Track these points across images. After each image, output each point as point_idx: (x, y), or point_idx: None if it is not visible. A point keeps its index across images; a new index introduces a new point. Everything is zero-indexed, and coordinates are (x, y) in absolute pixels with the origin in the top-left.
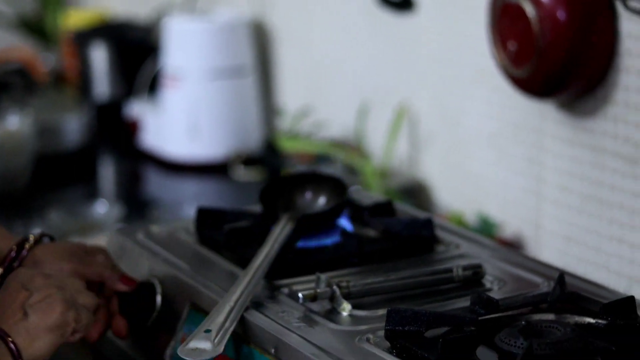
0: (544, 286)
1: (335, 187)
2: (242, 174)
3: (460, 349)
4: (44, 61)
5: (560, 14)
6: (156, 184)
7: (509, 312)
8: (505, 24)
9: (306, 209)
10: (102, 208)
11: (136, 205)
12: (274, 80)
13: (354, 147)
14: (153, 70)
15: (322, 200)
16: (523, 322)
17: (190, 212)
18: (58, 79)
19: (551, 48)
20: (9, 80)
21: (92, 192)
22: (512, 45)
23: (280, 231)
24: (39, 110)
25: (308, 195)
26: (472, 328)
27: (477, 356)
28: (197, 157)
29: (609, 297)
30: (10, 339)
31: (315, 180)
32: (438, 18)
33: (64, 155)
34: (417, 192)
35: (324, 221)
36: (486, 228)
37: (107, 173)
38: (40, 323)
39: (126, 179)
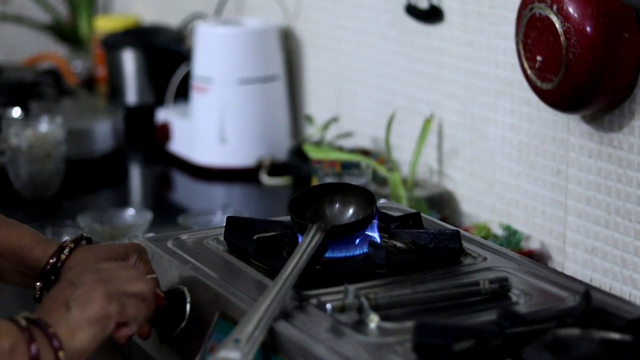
0: (570, 300)
1: (364, 198)
2: (270, 180)
3: None
4: (74, 66)
5: (589, 28)
6: (185, 190)
7: (535, 326)
8: (533, 36)
9: (335, 219)
10: (132, 214)
11: (165, 212)
12: (302, 88)
13: (381, 157)
14: (183, 76)
15: (351, 211)
16: (549, 337)
17: (219, 219)
18: (88, 83)
19: (579, 62)
20: (41, 81)
21: (121, 198)
22: (539, 58)
23: (309, 242)
24: (69, 115)
25: (337, 206)
26: (499, 341)
27: None
28: (226, 163)
29: (634, 312)
30: (51, 330)
31: (344, 191)
32: (466, 29)
33: (94, 160)
34: (444, 203)
35: (353, 232)
36: (512, 239)
37: (137, 179)
38: (81, 315)
39: (155, 185)
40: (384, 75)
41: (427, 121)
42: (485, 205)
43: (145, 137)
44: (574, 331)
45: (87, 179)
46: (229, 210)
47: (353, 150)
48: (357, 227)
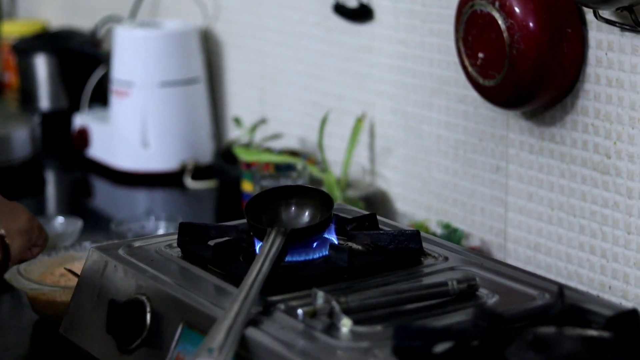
0: (540, 298)
1: (320, 200)
2: (194, 184)
3: None
4: None
5: (532, 24)
6: (107, 196)
7: (512, 325)
8: (474, 33)
9: (292, 223)
10: (61, 222)
11: (90, 219)
12: (225, 90)
13: (310, 157)
14: (99, 80)
15: (308, 214)
16: (531, 335)
17: (153, 225)
18: None
19: (522, 58)
20: None
21: (41, 206)
22: (481, 55)
23: (269, 246)
24: None
25: (293, 209)
26: (479, 342)
27: None
28: (148, 167)
29: (606, 309)
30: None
31: (300, 193)
32: (396, 27)
33: (12, 168)
34: (378, 203)
35: (313, 235)
36: (453, 237)
37: (56, 186)
38: (12, 226)
39: (76, 192)
40: (312, 76)
41: (359, 120)
42: (421, 203)
43: (62, 144)
44: (550, 329)
45: (6, 187)
46: (161, 216)
47: (282, 152)
48: (317, 229)
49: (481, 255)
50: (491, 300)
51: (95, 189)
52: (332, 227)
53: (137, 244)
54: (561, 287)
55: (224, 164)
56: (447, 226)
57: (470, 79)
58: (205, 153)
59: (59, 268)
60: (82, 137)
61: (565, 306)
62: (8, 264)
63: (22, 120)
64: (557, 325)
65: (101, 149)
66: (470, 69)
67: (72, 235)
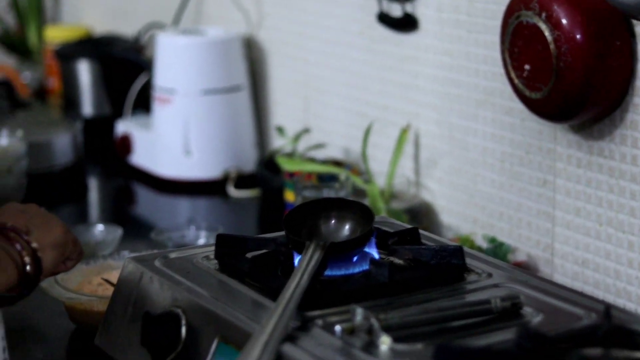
0: (586, 318)
1: (361, 213)
2: (237, 193)
3: None
4: (24, 77)
5: (579, 36)
6: (149, 204)
7: (557, 346)
8: (520, 45)
9: (332, 236)
10: (101, 230)
11: (131, 227)
12: (268, 98)
13: (354, 168)
14: (142, 87)
15: (348, 227)
16: (576, 357)
17: (193, 234)
18: (39, 95)
19: (569, 70)
20: None
21: (83, 213)
22: (527, 67)
23: (308, 260)
24: (26, 128)
25: (333, 222)
26: None
27: None
28: (190, 175)
29: None
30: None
31: (340, 206)
32: (441, 37)
33: (54, 174)
34: (422, 215)
35: (352, 249)
36: (499, 251)
37: (98, 193)
38: (45, 239)
39: (117, 199)
40: (355, 86)
41: (404, 131)
42: (467, 216)
43: (105, 150)
44: (596, 351)
45: (48, 194)
46: (201, 225)
47: (325, 162)
48: (357, 243)
49: (526, 272)
50: (535, 319)
51: (137, 196)
52: (373, 241)
53: (173, 255)
54: (608, 307)
55: (267, 173)
56: (492, 240)
57: (517, 91)
58: (249, 162)
59: (97, 277)
60: (125, 144)
61: (613, 327)
62: (40, 277)
63: (64, 126)
64: (603, 347)
65: (143, 156)
66: (516, 80)
67: (112, 243)
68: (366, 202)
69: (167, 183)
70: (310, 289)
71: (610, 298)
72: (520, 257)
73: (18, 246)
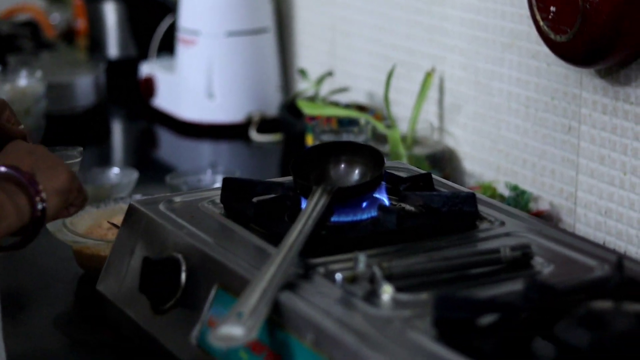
0: (599, 269)
1: (372, 158)
2: (260, 137)
3: (515, 339)
4: (52, 18)
5: None
6: (170, 147)
7: (565, 299)
8: None
9: (341, 181)
10: (117, 173)
11: (151, 170)
12: (293, 40)
13: (377, 112)
14: (168, 28)
15: (357, 172)
16: (583, 311)
17: (209, 179)
18: (67, 36)
19: (596, 12)
20: (18, 33)
21: (104, 155)
22: (553, 9)
23: (314, 205)
24: (49, 69)
25: (342, 166)
26: (527, 316)
27: (535, 348)
28: (213, 119)
29: None
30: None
31: (350, 150)
32: None
33: (75, 116)
34: (445, 161)
35: (361, 195)
36: (521, 200)
37: (120, 135)
38: (49, 185)
39: (139, 142)
40: (382, 28)
41: (428, 75)
42: (490, 163)
43: (128, 92)
44: (606, 304)
45: (69, 136)
46: (219, 170)
47: (348, 106)
48: (366, 189)
49: (541, 220)
50: (546, 270)
51: (159, 139)
52: (384, 186)
53: (178, 199)
54: (620, 258)
55: (289, 117)
56: (515, 188)
57: (542, 34)
58: (273, 105)
59: (112, 220)
60: (148, 86)
61: (624, 279)
62: (43, 221)
63: (87, 67)
64: (614, 300)
65: (167, 99)
66: (541, 23)
67: (127, 186)
68: (387, 147)
69: (190, 126)
70: (315, 235)
71: (632, 250)
72: (543, 206)
73: (23, 192)
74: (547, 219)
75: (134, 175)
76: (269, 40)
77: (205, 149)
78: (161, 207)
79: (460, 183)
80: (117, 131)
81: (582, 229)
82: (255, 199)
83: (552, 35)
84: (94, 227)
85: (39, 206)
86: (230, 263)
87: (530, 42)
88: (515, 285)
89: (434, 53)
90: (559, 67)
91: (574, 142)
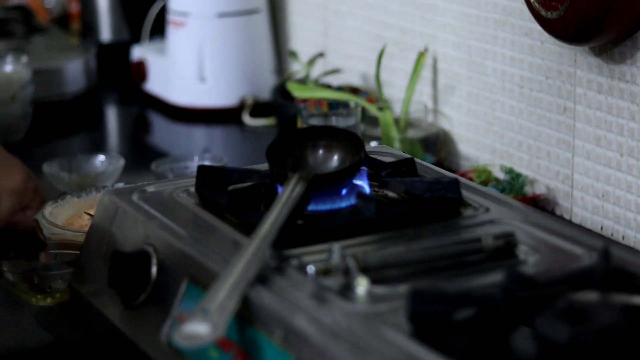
0: (586, 258)
1: (351, 142)
2: (253, 121)
3: (493, 333)
4: (47, 2)
5: None
6: (162, 132)
7: (547, 290)
8: None
9: (319, 167)
10: (102, 161)
11: (141, 156)
12: (286, 21)
13: (371, 95)
14: (161, 10)
15: (336, 158)
16: (564, 303)
17: (196, 165)
18: (62, 20)
19: None
20: (9, 17)
21: (95, 142)
22: None
23: (289, 193)
24: (39, 53)
25: (321, 152)
26: (506, 309)
27: (513, 343)
28: (205, 103)
29: None
30: None
31: (329, 135)
32: None
33: (65, 102)
34: (440, 144)
35: (339, 182)
36: (516, 183)
37: (111, 121)
38: (3, 185)
39: (131, 128)
40: (374, 6)
41: (421, 55)
42: (485, 146)
43: (120, 77)
44: (592, 295)
45: (58, 123)
46: (207, 156)
47: (341, 88)
48: (343, 175)
49: (527, 207)
50: (530, 259)
51: (151, 125)
52: (364, 172)
53: (152, 188)
54: (606, 246)
55: (282, 101)
56: (510, 171)
57: (533, 11)
58: (266, 89)
59: (89, 211)
60: (140, 70)
61: (610, 268)
62: None
63: (78, 52)
64: (599, 291)
65: (158, 83)
66: None
67: (113, 175)
68: (379, 131)
69: (182, 111)
70: (290, 225)
71: (630, 234)
72: (539, 189)
73: None
74: (544, 203)
75: (120, 162)
76: (261, 21)
77: (198, 134)
78: (134, 197)
79: (455, 166)
80: (108, 117)
81: (579, 213)
82: (230, 188)
83: (543, 12)
84: (74, 217)
85: None
86: (200, 256)
87: (524, 19)
88: (497, 276)
89: (426, 32)
90: (553, 45)
91: (569, 123)
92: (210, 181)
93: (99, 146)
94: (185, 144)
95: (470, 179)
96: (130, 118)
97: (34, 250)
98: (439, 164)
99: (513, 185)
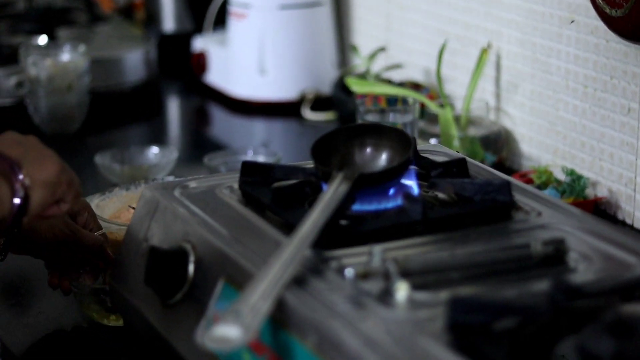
0: (638, 267)
1: (400, 141)
2: (314, 115)
3: (535, 345)
4: None
5: None
6: (221, 125)
7: (595, 301)
8: None
9: (366, 166)
10: (156, 152)
11: (198, 149)
12: (349, 14)
13: (432, 91)
14: (225, 1)
15: (384, 157)
16: (612, 316)
17: (250, 159)
18: (127, 10)
19: None
20: (72, 6)
21: (152, 134)
22: None
23: (332, 193)
24: (100, 43)
25: (368, 150)
26: (549, 321)
27: (556, 356)
28: (266, 96)
29: None
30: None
31: (377, 133)
32: None
33: (124, 93)
34: (501, 143)
35: (386, 181)
36: (577, 185)
37: (169, 112)
38: (36, 176)
39: (189, 120)
40: (438, 1)
41: (484, 51)
42: (547, 146)
43: (182, 67)
44: None
45: (115, 113)
46: (261, 151)
47: (403, 84)
48: (390, 175)
49: (581, 210)
50: (581, 267)
51: (210, 117)
52: (413, 172)
53: (195, 183)
54: None
55: (343, 95)
56: (571, 173)
57: (597, 8)
58: (327, 83)
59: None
60: (200, 61)
61: None
62: (24, 213)
63: (138, 42)
64: None
65: (219, 75)
66: None
67: (166, 167)
68: (438, 128)
69: (242, 103)
70: (334, 225)
71: None
72: (602, 192)
73: (5, 179)
74: (606, 206)
75: (173, 155)
76: (324, 14)
77: (257, 127)
78: (176, 192)
79: (517, 167)
80: (168, 108)
81: None
82: (274, 185)
83: (607, 10)
84: (121, 210)
85: (20, 194)
86: (237, 255)
87: (589, 16)
88: (544, 285)
89: (490, 28)
90: (619, 44)
91: (633, 125)
92: (255, 178)
93: (156, 138)
94: (244, 137)
95: (531, 180)
96: (190, 110)
97: (102, 266)
98: (499, 163)
99: (574, 188)
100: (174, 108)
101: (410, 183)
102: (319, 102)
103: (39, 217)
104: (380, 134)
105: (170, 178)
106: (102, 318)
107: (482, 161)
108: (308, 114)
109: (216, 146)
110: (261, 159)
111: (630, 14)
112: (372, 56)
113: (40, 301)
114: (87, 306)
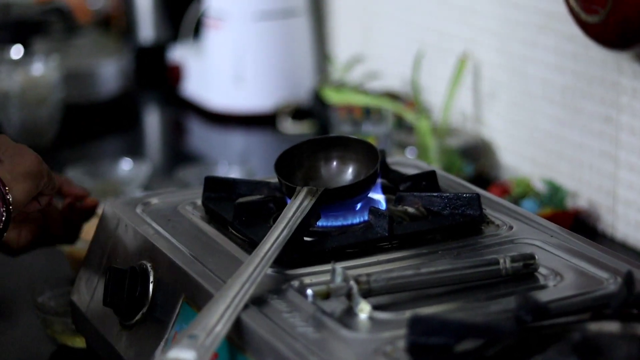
0: (610, 284)
1: (367, 153)
2: (291, 126)
3: None
4: (92, 3)
5: None
6: (198, 137)
7: (563, 319)
8: None
9: (331, 180)
10: (129, 166)
11: (174, 161)
12: (327, 25)
13: (410, 100)
14: (199, 11)
15: (350, 171)
16: (578, 335)
17: (223, 171)
18: (103, 21)
19: None
20: (48, 18)
21: (127, 146)
22: None
23: (295, 209)
24: (76, 55)
25: (334, 164)
26: (515, 341)
27: None
28: (243, 107)
29: None
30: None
31: (343, 145)
32: None
33: (99, 105)
34: (479, 154)
35: (352, 196)
36: (555, 197)
37: (146, 124)
38: (16, 169)
39: (166, 132)
40: (413, 9)
41: (462, 61)
42: (526, 156)
43: (158, 79)
44: (612, 325)
45: (91, 125)
46: (236, 163)
47: (381, 94)
48: (356, 189)
49: (553, 224)
50: (551, 283)
51: (186, 129)
52: (379, 186)
53: (157, 199)
54: (630, 272)
55: (319, 106)
56: (550, 184)
57: (573, 15)
58: (305, 93)
59: None
60: (176, 72)
61: (634, 295)
62: (10, 211)
63: (114, 54)
64: (620, 321)
65: (195, 86)
66: (572, 2)
67: (137, 180)
68: (414, 138)
69: (219, 115)
70: (297, 242)
71: None
72: (581, 203)
73: None
74: (585, 218)
75: (144, 168)
76: (301, 24)
77: (235, 139)
78: (138, 209)
79: (495, 177)
80: (144, 120)
81: (622, 229)
82: (238, 201)
83: (583, 16)
84: (90, 227)
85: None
86: (197, 275)
87: (566, 23)
88: (512, 303)
89: (467, 36)
90: (597, 51)
91: (612, 134)
92: (219, 193)
93: (132, 150)
94: (221, 149)
95: (508, 191)
96: (166, 121)
97: (78, 220)
98: (478, 174)
99: (552, 199)
100: (150, 120)
101: (379, 197)
102: (298, 113)
103: (22, 210)
104: (347, 146)
105: (139, 193)
106: (66, 340)
107: (460, 172)
108: (286, 125)
109: (192, 158)
110: (236, 171)
111: (607, 20)
112: (349, 66)
113: (6, 322)
114: (51, 328)
